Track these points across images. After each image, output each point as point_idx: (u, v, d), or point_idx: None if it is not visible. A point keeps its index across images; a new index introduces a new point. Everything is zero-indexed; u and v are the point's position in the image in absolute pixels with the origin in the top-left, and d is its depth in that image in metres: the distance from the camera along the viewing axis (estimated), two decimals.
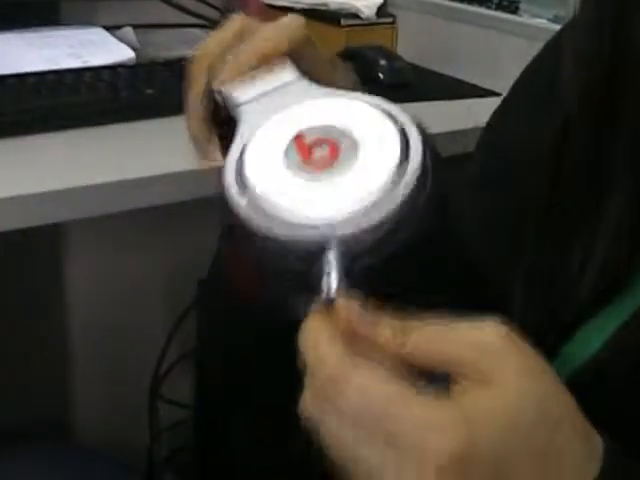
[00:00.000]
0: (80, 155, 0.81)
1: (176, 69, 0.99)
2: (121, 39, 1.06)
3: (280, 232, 0.44)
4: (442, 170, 0.46)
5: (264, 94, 0.53)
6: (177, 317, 1.32)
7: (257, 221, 0.45)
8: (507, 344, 0.38)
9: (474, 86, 1.08)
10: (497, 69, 1.08)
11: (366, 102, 0.49)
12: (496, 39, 1.09)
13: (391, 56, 1.08)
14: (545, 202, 0.54)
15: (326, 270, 0.43)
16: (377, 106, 0.49)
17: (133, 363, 1.33)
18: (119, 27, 1.10)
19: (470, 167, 0.66)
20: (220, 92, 0.55)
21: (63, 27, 1.09)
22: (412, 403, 0.37)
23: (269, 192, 0.45)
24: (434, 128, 0.96)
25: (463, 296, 0.55)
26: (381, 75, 1.05)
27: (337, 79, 0.58)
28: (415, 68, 1.11)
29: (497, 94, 1.05)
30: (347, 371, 0.38)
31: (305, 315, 0.42)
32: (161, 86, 0.93)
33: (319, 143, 0.47)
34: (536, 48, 1.07)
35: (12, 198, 0.72)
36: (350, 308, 0.41)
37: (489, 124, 0.68)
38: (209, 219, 1.30)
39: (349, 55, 1.09)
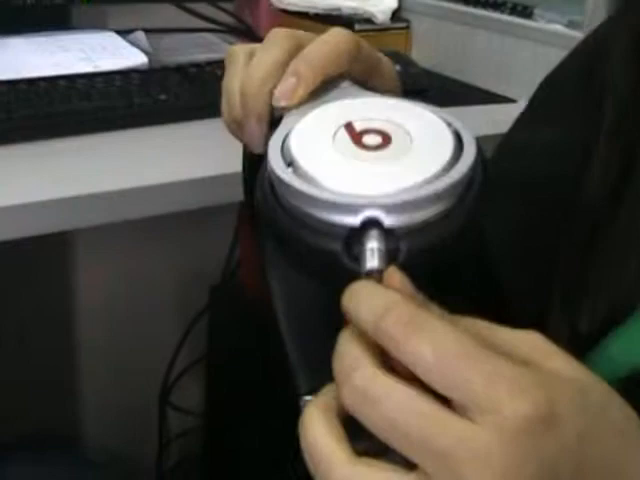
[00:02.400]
0: (92, 162, 0.80)
1: (189, 74, 0.99)
2: (133, 43, 1.05)
3: (325, 198, 0.42)
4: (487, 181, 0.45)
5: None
6: (188, 323, 1.31)
7: (300, 187, 0.42)
8: (553, 346, 0.37)
9: (488, 92, 1.07)
10: (511, 75, 1.07)
11: (419, 104, 0.48)
12: (511, 44, 1.08)
13: (406, 62, 1.07)
14: (605, 212, 0.53)
15: (368, 247, 0.41)
16: (430, 109, 0.48)
17: (143, 370, 1.32)
18: (131, 31, 1.09)
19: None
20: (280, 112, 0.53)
21: (74, 31, 1.08)
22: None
23: (314, 165, 0.44)
24: None
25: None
26: None
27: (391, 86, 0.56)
28: (429, 74, 1.10)
29: (512, 100, 1.04)
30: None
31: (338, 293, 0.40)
32: (174, 91, 0.92)
33: (371, 132, 0.45)
34: (551, 54, 1.07)
35: (23, 206, 0.71)
36: (403, 279, 0.39)
37: (512, 131, 0.67)
38: (222, 226, 1.30)
39: None
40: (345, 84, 0.52)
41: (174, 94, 0.92)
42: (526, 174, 0.62)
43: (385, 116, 0.46)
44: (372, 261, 0.40)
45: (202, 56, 1.07)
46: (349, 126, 0.46)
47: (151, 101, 0.90)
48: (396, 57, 1.12)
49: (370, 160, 0.44)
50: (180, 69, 0.98)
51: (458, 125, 0.46)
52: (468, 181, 0.43)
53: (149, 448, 1.32)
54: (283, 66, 0.50)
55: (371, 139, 0.45)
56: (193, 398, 1.37)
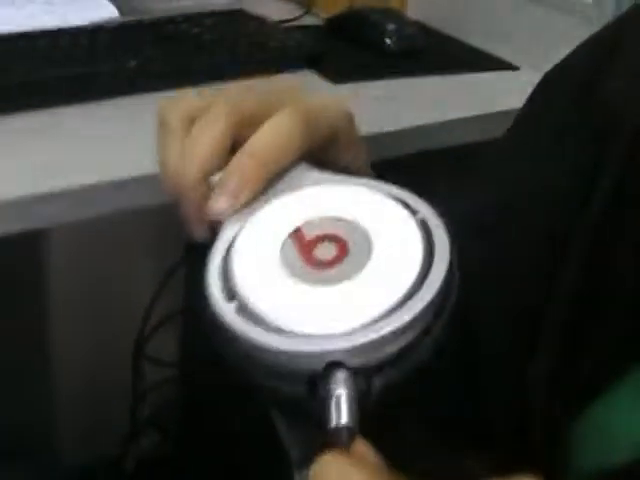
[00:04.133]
0: (49, 151, 0.73)
1: (163, 32, 0.91)
2: None
3: (277, 346, 0.37)
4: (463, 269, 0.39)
5: None
6: (164, 275, 1.27)
7: (247, 333, 0.37)
8: None
9: (489, 56, 0.99)
10: (514, 37, 0.99)
11: (378, 189, 0.42)
12: (516, 4, 1.00)
13: (400, 19, 0.99)
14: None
15: (334, 393, 0.36)
16: (390, 194, 0.42)
17: (117, 322, 1.28)
18: None
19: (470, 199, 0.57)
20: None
21: None
22: None
23: (263, 299, 0.38)
24: (449, 111, 0.90)
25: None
26: (388, 41, 0.96)
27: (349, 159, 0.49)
28: (425, 32, 1.01)
29: (514, 67, 0.97)
30: None
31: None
32: (146, 55, 0.84)
33: (323, 239, 0.40)
34: (558, 20, 0.99)
35: None
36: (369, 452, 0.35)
37: (504, 144, 0.59)
38: None
39: (352, 17, 1.01)
40: (297, 166, 0.45)
41: (146, 58, 0.84)
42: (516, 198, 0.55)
43: (340, 212, 0.41)
44: (338, 416, 0.35)
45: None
46: (297, 234, 0.40)
47: (120, 67, 0.82)
48: (389, 13, 1.04)
49: (324, 283, 0.38)
50: (154, 26, 0.90)
51: (425, 212, 0.40)
52: (444, 290, 0.38)
53: (124, 400, 1.28)
54: (225, 148, 0.44)
55: (324, 252, 0.39)
56: (169, 349, 1.33)
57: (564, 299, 0.47)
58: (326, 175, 0.45)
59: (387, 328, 0.36)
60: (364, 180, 0.43)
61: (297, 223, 0.41)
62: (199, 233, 0.45)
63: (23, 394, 1.22)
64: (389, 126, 0.83)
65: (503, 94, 0.91)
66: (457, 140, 0.87)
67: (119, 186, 0.72)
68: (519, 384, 0.47)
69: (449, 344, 0.39)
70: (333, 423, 0.35)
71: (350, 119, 0.48)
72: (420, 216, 0.40)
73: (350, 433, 0.35)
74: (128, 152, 0.74)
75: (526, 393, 0.47)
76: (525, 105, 0.56)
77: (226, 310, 0.38)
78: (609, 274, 0.46)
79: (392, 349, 0.36)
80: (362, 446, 0.35)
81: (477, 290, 0.48)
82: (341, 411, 0.35)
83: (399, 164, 0.89)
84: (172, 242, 1.28)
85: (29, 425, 1.25)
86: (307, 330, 0.37)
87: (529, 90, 0.55)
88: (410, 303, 0.37)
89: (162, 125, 0.46)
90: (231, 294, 0.39)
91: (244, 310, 0.38)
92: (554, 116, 0.54)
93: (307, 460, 0.38)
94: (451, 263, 0.38)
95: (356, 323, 0.36)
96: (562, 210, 0.49)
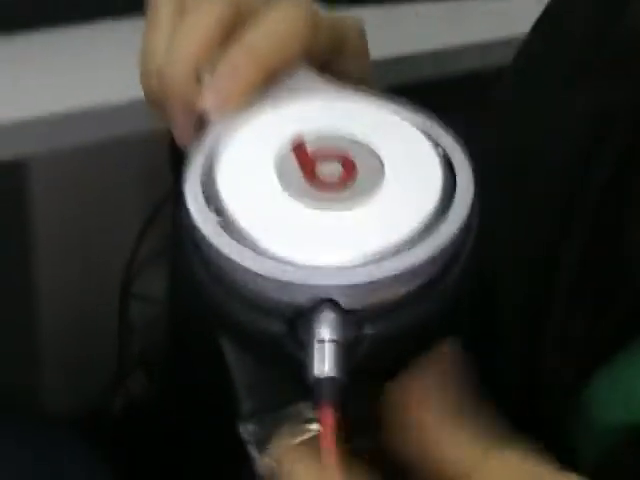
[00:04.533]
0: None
1: None
2: None
3: (261, 271, 0.31)
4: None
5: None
6: (152, 208, 1.22)
7: (228, 251, 0.32)
8: None
9: None
10: None
11: (395, 109, 0.37)
12: None
13: None
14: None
15: (319, 336, 0.31)
16: (410, 114, 0.37)
17: (103, 259, 1.24)
18: None
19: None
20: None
21: None
22: None
23: (250, 215, 0.33)
24: (453, 37, 0.84)
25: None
26: None
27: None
28: None
29: None
30: None
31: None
32: None
33: (328, 157, 0.35)
34: None
35: None
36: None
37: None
38: None
39: None
40: (299, 71, 0.39)
41: None
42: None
43: (349, 129, 0.35)
44: (321, 364, 0.30)
45: None
46: (299, 149, 0.35)
47: None
48: None
49: (326, 206, 0.33)
50: None
51: (448, 143, 0.35)
52: (464, 232, 0.33)
53: (111, 342, 1.25)
54: (217, 41, 0.39)
55: (329, 170, 0.34)
56: (156, 288, 1.29)
57: (577, 251, 0.43)
58: (333, 85, 0.39)
59: (394, 268, 0.31)
60: (379, 96, 0.38)
61: (299, 135, 0.35)
62: (186, 139, 0.40)
63: (3, 333, 1.18)
64: (390, 52, 0.79)
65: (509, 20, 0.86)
66: (462, 68, 0.83)
67: (103, 113, 0.67)
68: (536, 338, 0.44)
69: (462, 296, 0.34)
70: (315, 372, 0.30)
71: (361, 31, 0.44)
72: (442, 145, 0.35)
73: (334, 385, 0.30)
74: (113, 77, 0.69)
75: (543, 346, 0.43)
76: (532, 35, 0.51)
77: (206, 223, 0.33)
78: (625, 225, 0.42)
79: (396, 294, 0.32)
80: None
81: (492, 239, 0.44)
82: (325, 358, 0.30)
83: (404, 93, 0.85)
84: (160, 174, 1.23)
85: (12, 365, 1.21)
86: (299, 258, 0.32)
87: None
88: (424, 241, 0.32)
89: (149, 13, 0.41)
90: (213, 206, 0.34)
91: (227, 226, 0.33)
92: (566, 50, 0.48)
93: (257, 413, 0.36)
94: (474, 201, 0.33)
95: (357, 257, 0.31)
96: (578, 155, 0.44)
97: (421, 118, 0.37)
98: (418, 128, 0.36)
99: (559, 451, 0.33)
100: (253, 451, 0.36)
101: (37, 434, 0.79)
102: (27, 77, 0.69)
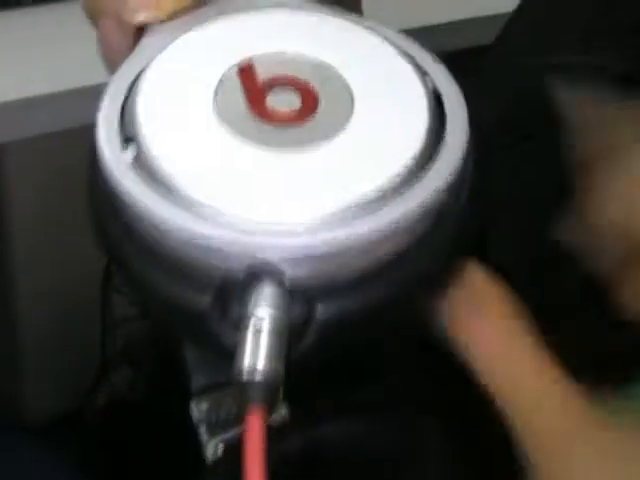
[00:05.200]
0: None
1: None
2: None
3: (180, 225, 0.24)
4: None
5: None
6: None
7: (141, 196, 0.25)
8: None
9: None
10: None
11: (375, 30, 0.29)
12: None
13: None
14: None
15: (253, 316, 0.24)
16: (392, 41, 0.29)
17: (84, 250, 1.19)
18: None
19: None
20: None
21: None
22: None
23: (175, 154, 0.26)
24: (451, 12, 0.81)
25: None
26: None
27: None
28: None
29: None
30: None
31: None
32: None
33: (283, 84, 0.27)
34: None
35: None
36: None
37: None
38: None
39: None
40: None
41: None
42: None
43: (313, 51, 0.28)
44: (253, 357, 0.23)
45: None
46: (246, 72, 0.27)
47: None
48: None
49: (273, 147, 0.25)
50: None
51: (439, 76, 0.28)
52: (450, 194, 0.25)
53: (93, 337, 1.21)
54: None
55: (282, 101, 0.26)
56: None
57: None
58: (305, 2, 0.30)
59: (358, 233, 0.24)
60: (357, 16, 0.30)
61: (247, 56, 0.28)
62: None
63: None
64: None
65: None
66: (462, 43, 0.79)
67: (81, 97, 0.63)
68: None
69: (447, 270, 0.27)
70: (245, 366, 0.23)
71: None
72: (431, 75, 0.28)
73: (267, 386, 0.23)
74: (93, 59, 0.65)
75: None
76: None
77: (117, 160, 0.26)
78: None
79: (359, 267, 0.25)
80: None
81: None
82: (259, 349, 0.23)
83: None
84: None
85: None
86: (232, 213, 0.24)
87: None
88: (400, 198, 0.25)
89: None
90: (129, 140, 0.26)
91: (143, 165, 0.26)
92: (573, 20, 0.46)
93: (209, 390, 0.30)
94: (468, 149, 0.26)
95: (311, 217, 0.24)
96: None
97: (407, 41, 0.29)
98: (401, 53, 0.28)
99: None
100: (203, 432, 0.31)
101: (19, 439, 0.76)
102: (6, 59, 0.65)
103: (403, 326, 0.28)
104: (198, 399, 0.31)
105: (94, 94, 0.64)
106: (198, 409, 0.31)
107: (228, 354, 0.24)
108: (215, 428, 0.31)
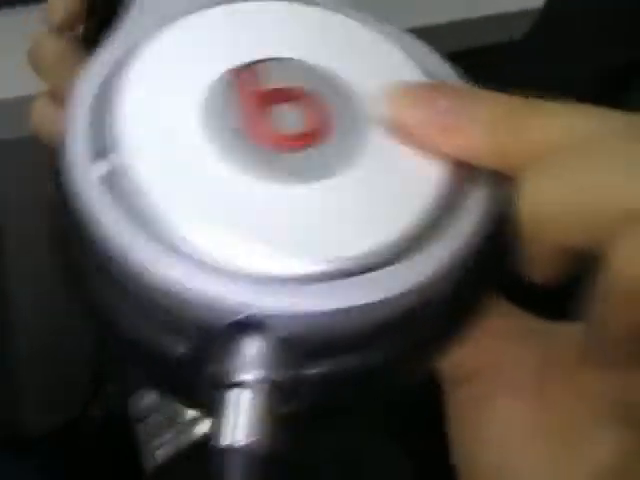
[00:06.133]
0: None
1: None
2: None
3: (149, 266, 0.21)
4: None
5: None
6: None
7: (110, 222, 0.21)
8: None
9: None
10: None
11: (382, 30, 0.25)
12: None
13: None
14: None
15: (232, 379, 0.20)
16: (407, 41, 0.25)
17: None
18: None
19: None
20: None
21: None
22: None
23: (153, 175, 0.21)
24: (462, 10, 0.79)
25: None
26: None
27: None
28: None
29: None
30: None
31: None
32: None
33: (285, 98, 0.22)
34: None
35: None
36: None
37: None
38: None
39: None
40: None
41: None
42: None
43: (321, 57, 0.23)
44: (233, 432, 0.20)
45: None
46: (244, 78, 0.22)
47: None
48: None
49: (271, 174, 0.21)
50: None
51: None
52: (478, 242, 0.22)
53: (88, 347, 1.21)
54: None
55: (284, 119, 0.22)
56: None
57: None
58: None
59: (368, 293, 0.20)
60: (365, 14, 0.26)
61: (243, 58, 0.23)
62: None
63: None
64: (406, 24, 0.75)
65: None
66: (471, 42, 0.79)
67: None
68: None
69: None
70: (223, 439, 0.20)
71: None
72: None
73: (247, 460, 0.20)
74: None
75: None
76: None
77: (87, 175, 0.22)
78: None
79: (355, 326, 0.21)
80: None
81: None
82: (239, 420, 0.20)
83: None
84: None
85: None
86: (216, 257, 0.20)
87: None
88: (407, 260, 0.21)
89: None
90: (102, 151, 0.22)
91: (117, 183, 0.21)
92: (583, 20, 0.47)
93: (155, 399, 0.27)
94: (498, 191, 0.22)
95: (312, 268, 0.20)
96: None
97: (422, 49, 0.26)
98: (417, 65, 0.25)
99: None
100: (142, 435, 0.28)
101: (13, 451, 0.75)
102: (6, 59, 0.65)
103: (401, 385, 0.25)
104: (137, 396, 0.29)
105: None
106: (137, 408, 0.29)
107: (197, 405, 0.22)
108: (153, 429, 0.29)
